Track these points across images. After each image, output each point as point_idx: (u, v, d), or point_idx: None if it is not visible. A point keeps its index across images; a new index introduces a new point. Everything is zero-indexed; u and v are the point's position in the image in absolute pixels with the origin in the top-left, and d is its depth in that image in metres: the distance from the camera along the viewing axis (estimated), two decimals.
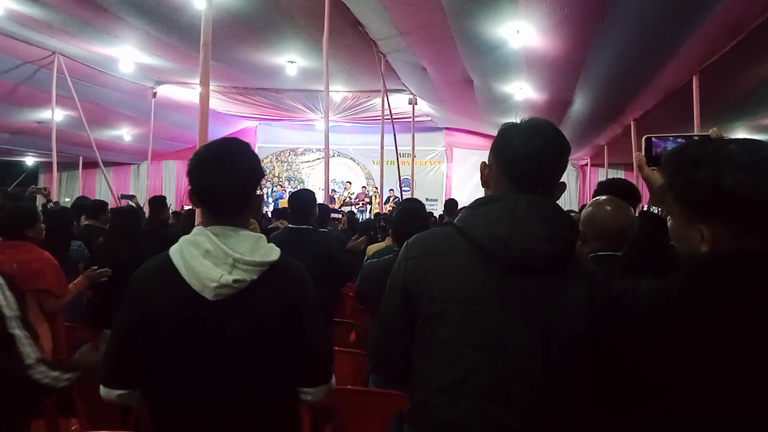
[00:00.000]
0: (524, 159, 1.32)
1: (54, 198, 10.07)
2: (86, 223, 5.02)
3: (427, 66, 9.91)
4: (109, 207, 5.49)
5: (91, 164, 15.27)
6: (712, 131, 1.29)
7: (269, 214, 10.50)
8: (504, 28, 6.86)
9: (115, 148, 15.55)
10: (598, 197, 1.90)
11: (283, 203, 13.12)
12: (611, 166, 13.51)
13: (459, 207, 6.46)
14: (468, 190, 16.10)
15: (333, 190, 16.00)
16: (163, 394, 1.49)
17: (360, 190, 17.02)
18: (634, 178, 9.50)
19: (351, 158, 17.96)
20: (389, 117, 11.95)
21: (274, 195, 17.12)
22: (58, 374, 1.80)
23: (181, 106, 13.51)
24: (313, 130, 16.52)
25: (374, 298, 2.23)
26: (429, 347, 1.32)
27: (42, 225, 3.26)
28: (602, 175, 14.50)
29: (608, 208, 1.78)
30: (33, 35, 9.17)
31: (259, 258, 1.43)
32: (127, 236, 3.84)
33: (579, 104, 9.55)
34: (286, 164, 18.24)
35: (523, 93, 9.76)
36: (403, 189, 14.10)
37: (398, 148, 12.71)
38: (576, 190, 16.85)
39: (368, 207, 16.24)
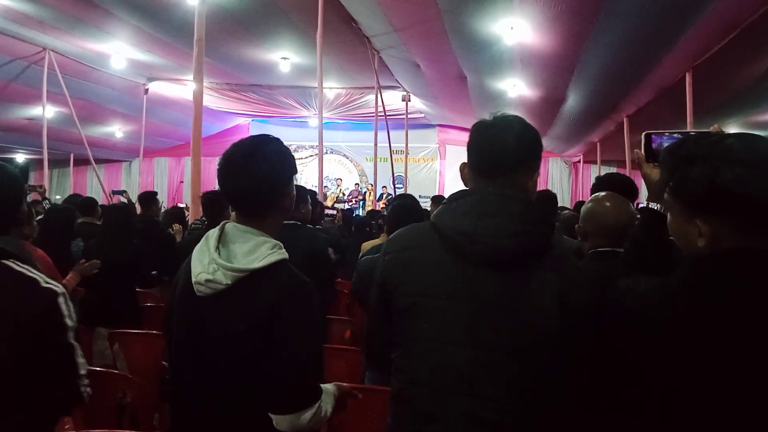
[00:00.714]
0: (486, 149, 1.37)
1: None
2: (81, 220, 4.97)
3: (421, 63, 9.90)
4: (100, 204, 5.45)
5: (82, 161, 15.19)
6: (713, 128, 1.28)
7: None
8: (498, 24, 6.86)
9: (106, 145, 15.45)
10: (597, 193, 1.90)
11: None
12: (604, 162, 13.55)
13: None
14: (461, 187, 16.05)
15: (326, 187, 15.97)
16: (173, 389, 1.55)
17: (353, 187, 17.00)
18: (628, 171, 9.54)
19: (344, 155, 17.95)
20: (383, 114, 11.94)
21: None
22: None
23: (174, 103, 13.45)
24: (307, 127, 16.48)
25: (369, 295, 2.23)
26: (403, 341, 1.35)
27: (35, 223, 3.23)
28: (595, 171, 14.55)
29: (608, 204, 1.78)
30: (24, 31, 9.09)
31: (239, 264, 1.39)
32: (119, 233, 3.81)
33: (572, 101, 9.57)
34: None
35: (516, 90, 9.77)
36: (396, 186, 14.10)
37: (391, 145, 12.70)
38: (569, 186, 16.91)
39: (361, 203, 16.22)
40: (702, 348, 1.06)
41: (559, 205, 3.86)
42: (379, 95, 11.39)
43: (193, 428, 1.49)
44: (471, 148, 1.41)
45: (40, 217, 4.12)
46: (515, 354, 1.25)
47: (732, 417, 1.04)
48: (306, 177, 17.54)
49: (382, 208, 11.59)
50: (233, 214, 1.54)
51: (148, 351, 3.20)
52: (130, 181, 17.83)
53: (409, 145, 13.56)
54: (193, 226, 4.04)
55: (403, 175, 13.77)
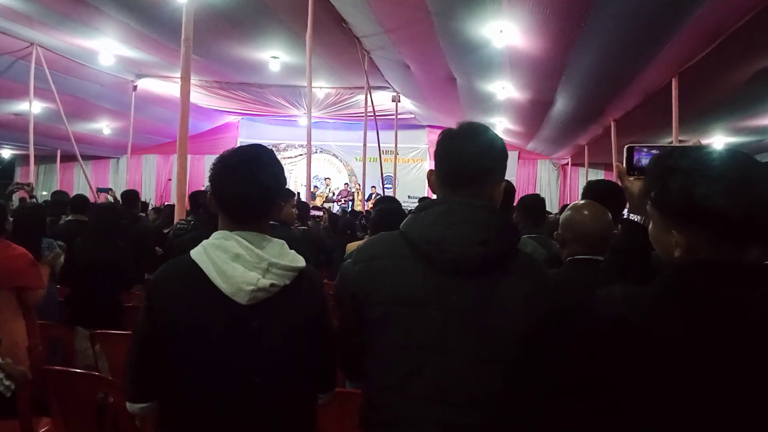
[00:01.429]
0: (452, 160, 1.39)
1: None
2: (69, 218, 4.94)
3: (411, 64, 9.91)
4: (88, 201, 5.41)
5: (69, 158, 15.04)
6: (693, 142, 1.31)
7: None
8: (487, 27, 6.89)
9: (94, 142, 15.34)
10: (577, 201, 1.93)
11: None
12: (591, 165, 13.66)
13: None
14: None
15: (315, 187, 15.95)
16: (182, 399, 1.48)
17: (342, 187, 17.00)
18: (614, 178, 9.61)
19: (334, 155, 17.93)
20: (372, 114, 11.95)
21: None
22: (9, 383, 1.80)
23: (163, 100, 13.37)
24: (296, 126, 16.45)
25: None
26: (374, 349, 1.37)
27: (10, 220, 3.22)
28: (582, 174, 14.66)
29: (586, 212, 1.80)
30: (11, 26, 9.00)
31: (289, 263, 1.46)
32: (106, 232, 3.79)
33: (561, 104, 9.63)
34: None
35: (505, 92, 9.82)
36: (385, 186, 14.11)
37: (381, 145, 12.71)
38: (557, 188, 17.01)
39: (350, 203, 16.21)
40: (669, 357, 1.08)
41: (546, 207, 3.88)
42: (368, 95, 11.39)
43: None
44: (437, 158, 1.43)
45: None
46: (485, 360, 1.27)
47: (697, 426, 1.06)
48: (295, 176, 17.50)
49: (370, 208, 11.60)
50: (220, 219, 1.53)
51: None
52: (117, 178, 17.70)
53: (398, 145, 13.58)
54: (178, 226, 4.02)
55: (392, 175, 13.78)
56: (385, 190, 14.02)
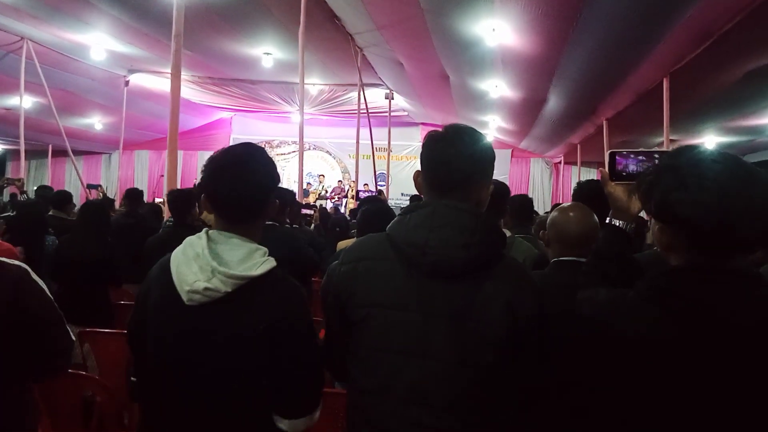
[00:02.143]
0: (438, 163, 1.38)
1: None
2: (51, 213, 4.91)
3: (404, 61, 9.91)
4: (79, 197, 5.39)
5: (60, 153, 14.96)
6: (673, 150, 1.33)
7: None
8: (480, 25, 6.89)
9: (85, 137, 15.24)
10: (563, 203, 1.94)
11: None
12: (584, 164, 13.70)
13: None
14: None
15: (308, 183, 15.92)
16: (148, 393, 1.51)
17: (336, 184, 16.98)
18: None
19: (327, 151, 17.92)
20: (365, 111, 11.94)
21: None
22: None
23: (155, 95, 13.29)
24: (289, 123, 16.42)
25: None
26: (356, 351, 1.37)
27: None
28: (575, 172, 14.70)
29: (571, 214, 1.81)
30: (1, 20, 8.92)
31: (239, 271, 1.37)
32: (95, 230, 3.77)
33: (553, 103, 9.65)
34: None
35: (498, 90, 9.83)
36: (378, 183, 14.11)
37: (374, 142, 12.70)
38: (550, 186, 17.07)
39: (344, 201, 16.20)
40: (650, 360, 1.10)
41: (533, 206, 3.90)
42: (362, 92, 11.38)
43: None
44: (423, 161, 1.42)
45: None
46: (465, 363, 1.27)
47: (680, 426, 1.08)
48: (288, 173, 17.48)
49: (355, 205, 11.56)
50: (211, 217, 1.52)
51: (120, 350, 3.17)
52: (109, 174, 17.63)
53: (392, 142, 13.57)
54: (167, 223, 4.01)
55: (385, 172, 13.78)
56: (379, 187, 14.02)
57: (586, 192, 2.22)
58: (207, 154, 1.53)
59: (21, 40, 9.72)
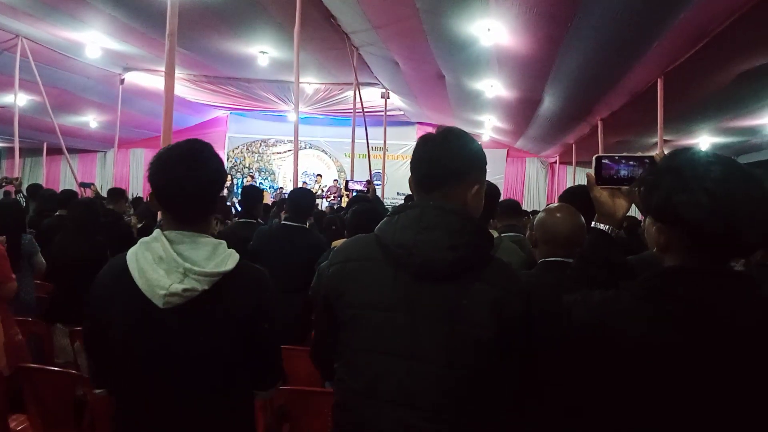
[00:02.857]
0: (422, 161, 1.41)
1: None
2: (58, 213, 4.94)
3: (400, 61, 9.91)
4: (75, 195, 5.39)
5: (55, 151, 14.90)
6: (656, 155, 1.34)
7: (237, 205, 10.38)
8: (475, 25, 6.90)
9: (80, 135, 15.19)
10: (551, 204, 1.95)
11: None
12: (579, 164, 13.71)
13: None
14: None
15: (304, 182, 15.91)
16: (121, 396, 1.50)
17: (332, 183, 16.97)
18: None
19: (323, 150, 17.90)
20: (361, 110, 11.93)
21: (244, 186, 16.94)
22: None
23: (150, 94, 13.26)
24: (285, 121, 16.41)
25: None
26: (344, 351, 1.38)
27: None
28: (570, 172, 14.73)
29: (559, 215, 1.82)
30: None
31: (211, 268, 1.39)
32: (84, 229, 3.76)
33: (548, 103, 9.67)
34: (257, 155, 18.08)
35: (494, 90, 9.84)
36: (374, 183, 14.10)
37: (370, 141, 12.70)
38: (545, 186, 17.10)
39: (340, 200, 16.19)
40: (649, 358, 1.10)
41: (530, 205, 3.92)
42: (357, 91, 11.37)
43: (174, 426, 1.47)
44: (412, 161, 1.44)
45: None
46: (452, 365, 1.28)
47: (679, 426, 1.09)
48: (284, 172, 17.47)
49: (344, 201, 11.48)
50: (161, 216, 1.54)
51: None
52: (104, 172, 17.57)
53: (387, 142, 13.57)
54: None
55: (381, 171, 13.78)
56: (374, 186, 14.01)
57: (572, 196, 2.23)
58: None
59: (16, 38, 9.69)
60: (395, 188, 15.61)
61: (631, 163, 1.39)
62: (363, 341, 1.34)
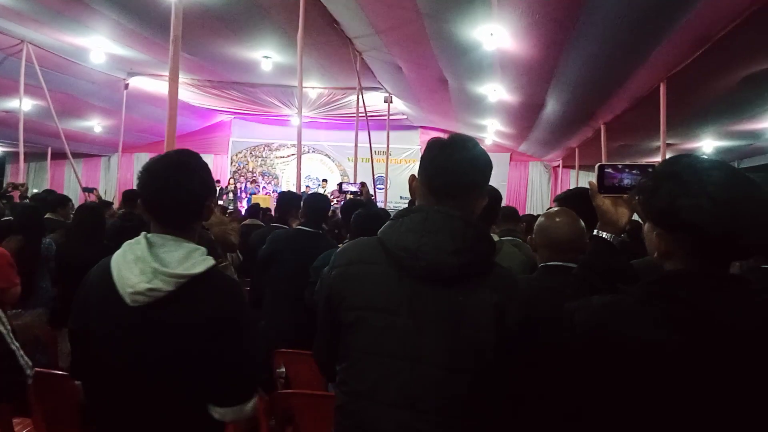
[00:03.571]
0: (444, 169, 1.39)
1: None
2: (47, 216, 4.93)
3: (403, 65, 9.93)
4: (78, 199, 5.41)
5: (60, 155, 14.94)
6: (659, 163, 1.34)
7: (243, 211, 10.39)
8: (478, 30, 6.92)
9: (85, 140, 15.26)
10: (551, 208, 1.95)
11: (257, 199, 13.03)
12: (582, 168, 13.70)
13: None
14: None
15: (307, 186, 15.93)
16: (90, 389, 1.55)
17: (335, 187, 16.96)
18: None
19: (326, 155, 17.93)
20: (364, 114, 11.95)
21: (248, 191, 16.95)
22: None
23: (155, 98, 13.31)
24: (288, 126, 16.44)
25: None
26: (347, 354, 1.39)
27: None
28: (573, 176, 14.71)
29: (558, 219, 1.83)
30: (1, 23, 8.95)
31: (180, 270, 1.43)
32: (89, 233, 3.78)
33: (551, 107, 9.66)
34: (260, 159, 18.12)
35: (497, 94, 9.85)
36: (377, 187, 14.12)
37: (373, 145, 12.72)
38: (548, 190, 17.08)
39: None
40: (651, 362, 1.10)
41: (533, 209, 3.94)
42: (360, 96, 11.40)
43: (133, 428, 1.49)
44: (425, 165, 1.43)
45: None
46: (455, 369, 1.28)
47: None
48: (287, 176, 17.51)
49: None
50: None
51: None
52: (109, 176, 17.63)
53: (390, 146, 13.58)
54: None
55: (384, 176, 13.79)
56: (377, 190, 14.03)
57: (575, 198, 2.24)
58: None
59: (21, 43, 9.76)
60: (398, 192, 15.62)
61: (634, 171, 1.40)
62: (365, 344, 1.34)
